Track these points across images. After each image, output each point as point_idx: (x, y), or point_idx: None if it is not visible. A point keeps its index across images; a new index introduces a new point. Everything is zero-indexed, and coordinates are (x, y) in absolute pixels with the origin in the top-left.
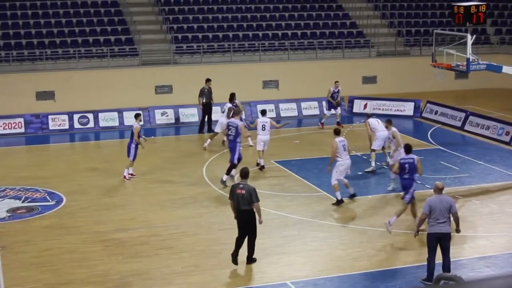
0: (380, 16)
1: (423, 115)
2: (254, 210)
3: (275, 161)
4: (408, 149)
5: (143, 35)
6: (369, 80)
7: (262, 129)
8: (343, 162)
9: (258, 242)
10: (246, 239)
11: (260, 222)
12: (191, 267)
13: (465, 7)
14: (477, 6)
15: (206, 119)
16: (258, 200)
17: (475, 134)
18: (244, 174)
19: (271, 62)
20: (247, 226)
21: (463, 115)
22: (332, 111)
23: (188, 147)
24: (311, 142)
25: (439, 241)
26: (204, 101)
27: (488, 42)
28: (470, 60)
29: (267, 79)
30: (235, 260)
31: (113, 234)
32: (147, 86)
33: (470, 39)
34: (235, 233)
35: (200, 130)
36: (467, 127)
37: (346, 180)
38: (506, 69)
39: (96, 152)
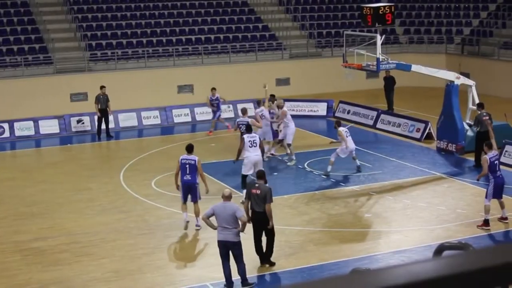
0: (292, 19)
1: (336, 114)
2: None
3: None
4: None
5: (57, 43)
6: (283, 82)
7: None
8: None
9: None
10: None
11: (270, 226)
12: (111, 273)
13: (374, 8)
14: (385, 7)
15: (103, 125)
16: (271, 201)
17: (387, 131)
18: (261, 174)
19: (186, 67)
20: (262, 228)
21: (374, 113)
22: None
23: (105, 154)
24: (226, 145)
25: (230, 249)
26: (100, 107)
27: (397, 41)
28: (380, 60)
29: (182, 84)
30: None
31: (32, 243)
32: (62, 94)
33: (379, 39)
34: (153, 237)
35: (98, 137)
36: (379, 125)
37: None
38: (415, 67)
39: (12, 162)
